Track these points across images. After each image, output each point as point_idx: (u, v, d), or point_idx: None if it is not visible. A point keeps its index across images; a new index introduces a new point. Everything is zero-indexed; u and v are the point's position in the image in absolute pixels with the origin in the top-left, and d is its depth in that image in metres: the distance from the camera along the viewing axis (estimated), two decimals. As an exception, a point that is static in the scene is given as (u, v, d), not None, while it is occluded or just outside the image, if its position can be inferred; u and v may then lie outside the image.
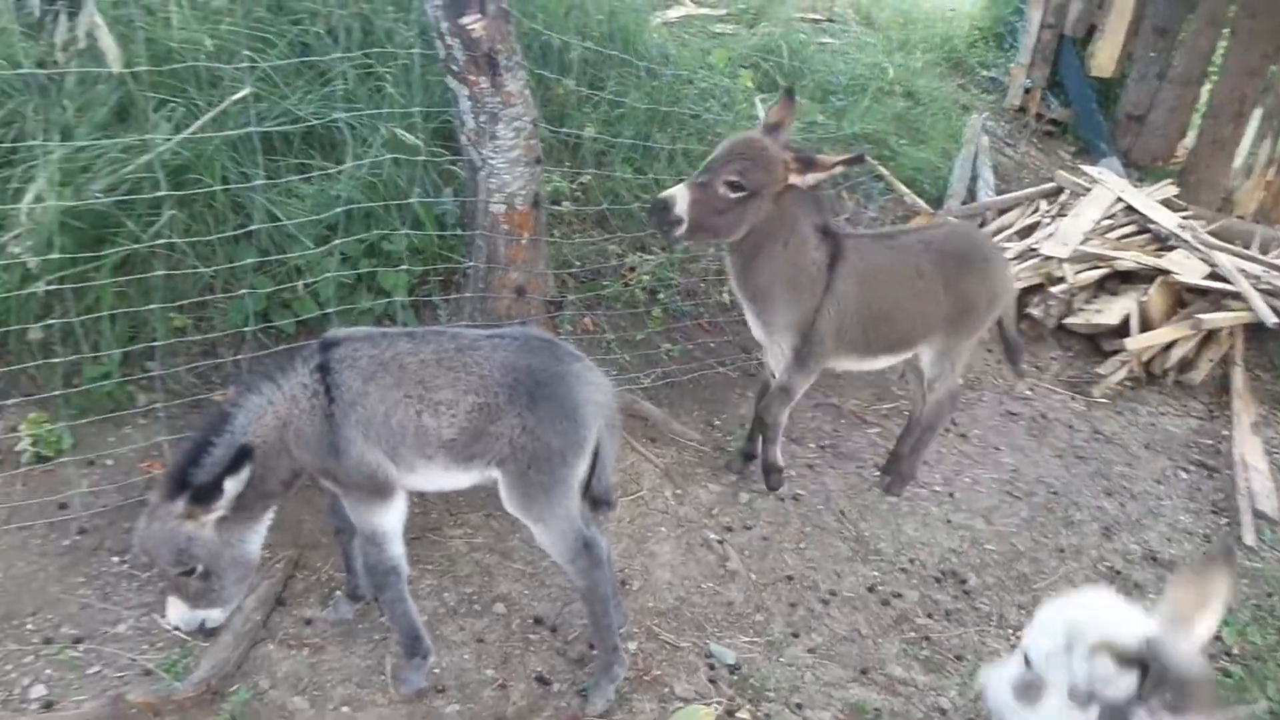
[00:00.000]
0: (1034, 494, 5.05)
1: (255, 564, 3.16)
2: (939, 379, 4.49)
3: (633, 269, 5.18)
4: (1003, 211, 7.39)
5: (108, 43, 3.34)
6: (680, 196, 3.64)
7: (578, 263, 5.00)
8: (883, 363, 4.45)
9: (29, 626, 3.27)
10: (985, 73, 9.55)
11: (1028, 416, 5.85)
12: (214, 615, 3.07)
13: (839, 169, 3.73)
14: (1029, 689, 2.32)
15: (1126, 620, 2.20)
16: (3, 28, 3.79)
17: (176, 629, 3.10)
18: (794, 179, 3.69)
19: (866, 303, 4.04)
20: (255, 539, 3.10)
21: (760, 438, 4.44)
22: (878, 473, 4.94)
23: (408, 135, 4.12)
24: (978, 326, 4.48)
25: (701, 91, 5.99)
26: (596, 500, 3.21)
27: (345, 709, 3.12)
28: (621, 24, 5.51)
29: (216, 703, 3.06)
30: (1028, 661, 2.32)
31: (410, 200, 4.15)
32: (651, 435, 4.71)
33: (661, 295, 5.28)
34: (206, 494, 2.84)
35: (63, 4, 3.70)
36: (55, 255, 3.49)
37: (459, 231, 4.32)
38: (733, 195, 3.63)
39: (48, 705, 2.99)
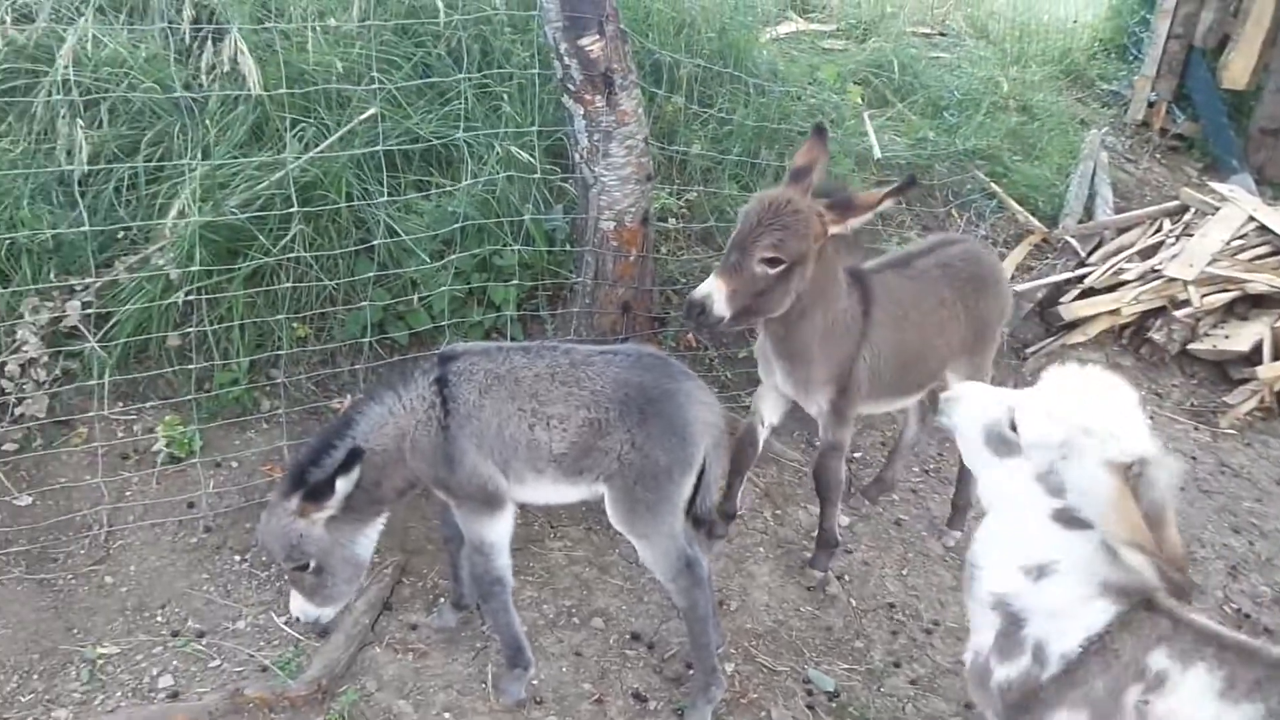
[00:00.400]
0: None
1: (365, 566, 3.27)
2: None
3: (736, 286, 5.17)
4: (1122, 230, 7.09)
5: (249, 66, 3.53)
6: (715, 292, 3.18)
7: (683, 279, 5.01)
8: (912, 400, 4.19)
9: (158, 619, 3.46)
10: (1106, 86, 9.18)
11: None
12: (326, 612, 3.18)
13: (885, 205, 3.29)
14: (1002, 444, 2.23)
15: (1133, 436, 2.08)
16: (155, 54, 4.04)
17: (296, 620, 3.22)
18: (834, 229, 3.25)
19: (900, 344, 3.74)
20: (366, 542, 3.20)
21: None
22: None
23: (522, 153, 4.22)
24: (993, 345, 4.27)
25: (810, 108, 5.95)
26: (698, 520, 3.23)
27: (447, 715, 3.20)
28: (731, 40, 5.51)
29: (326, 702, 3.17)
30: (1014, 423, 2.21)
31: (522, 217, 4.24)
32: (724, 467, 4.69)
33: (765, 313, 5.24)
34: (319, 492, 2.93)
35: (209, 30, 3.93)
36: (195, 267, 3.70)
37: (568, 247, 4.39)
38: (772, 271, 3.19)
39: (174, 695, 3.15)
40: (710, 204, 5.23)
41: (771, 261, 3.17)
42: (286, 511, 2.97)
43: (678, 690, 3.41)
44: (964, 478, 4.35)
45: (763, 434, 3.96)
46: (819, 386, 3.65)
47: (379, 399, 3.06)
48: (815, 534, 4.04)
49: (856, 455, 4.98)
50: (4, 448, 3.65)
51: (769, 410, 3.93)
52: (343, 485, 2.93)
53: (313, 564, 3.04)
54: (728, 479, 3.94)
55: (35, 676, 3.18)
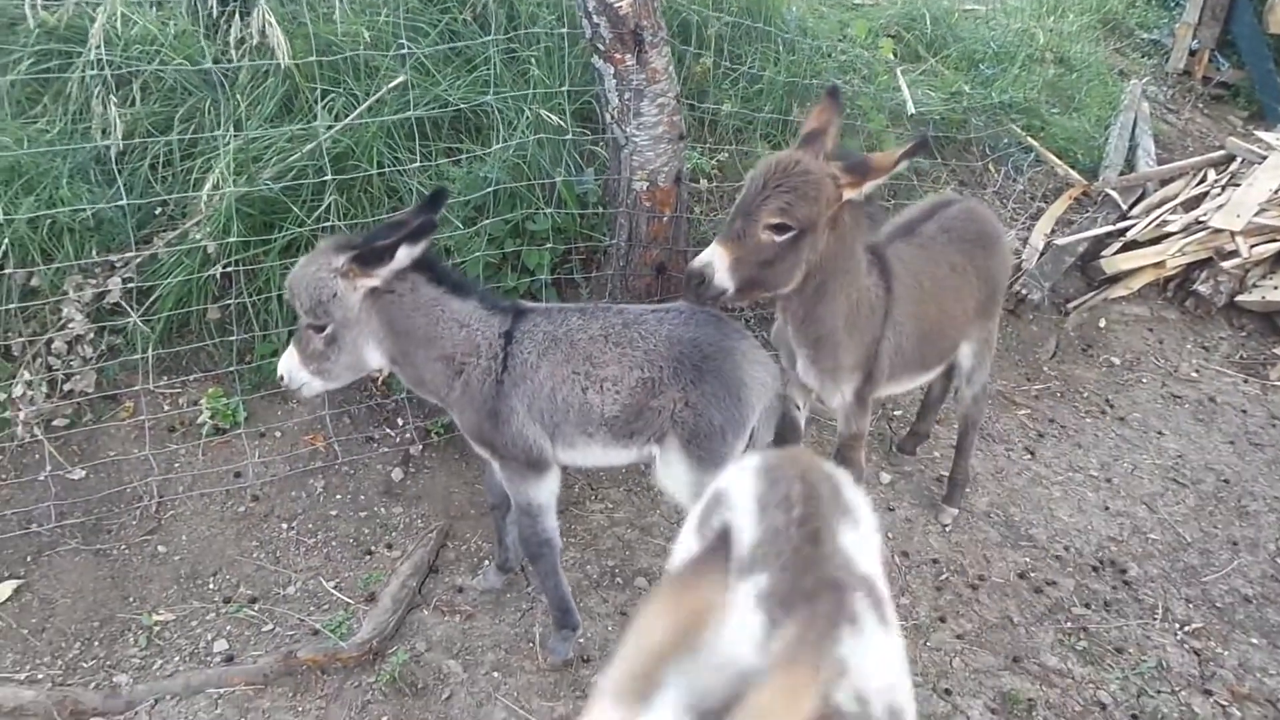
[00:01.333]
0: (1202, 481, 4.74)
1: (364, 371, 3.13)
2: (977, 369, 4.02)
3: (771, 247, 5.11)
4: (1165, 182, 6.92)
5: (277, 38, 3.53)
6: (717, 260, 2.89)
7: (716, 241, 4.97)
8: (931, 376, 3.99)
9: (210, 586, 3.53)
10: (1146, 35, 8.94)
11: (1194, 399, 5.48)
12: (313, 384, 3.02)
13: (901, 165, 2.93)
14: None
15: None
16: (184, 30, 4.05)
17: (280, 378, 3.04)
18: (848, 194, 2.94)
19: (921, 318, 3.49)
20: (374, 359, 3.03)
21: None
22: (1028, 455, 4.74)
23: (552, 116, 4.19)
24: (1000, 304, 4.05)
25: (841, 64, 5.84)
26: None
27: (495, 674, 3.23)
28: (759, -3, 5.42)
29: (377, 663, 3.22)
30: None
31: (554, 180, 4.22)
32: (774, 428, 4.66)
33: (800, 273, 5.19)
34: (375, 256, 2.80)
35: (237, 4, 3.93)
36: (232, 239, 3.73)
37: (600, 210, 4.36)
38: (779, 239, 2.89)
39: (229, 659, 3.22)
40: (742, 164, 5.16)
41: (778, 228, 2.87)
42: (329, 265, 2.84)
43: (723, 648, 3.41)
44: (961, 451, 4.25)
45: (800, 417, 3.75)
46: (846, 374, 3.36)
47: (477, 298, 3.00)
48: None
49: (897, 413, 4.93)
50: (55, 423, 3.72)
51: (801, 394, 3.69)
52: (404, 254, 2.80)
53: (330, 329, 2.90)
54: None
55: (96, 643, 3.25)
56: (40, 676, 3.10)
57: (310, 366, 2.96)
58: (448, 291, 2.96)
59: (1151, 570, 4.10)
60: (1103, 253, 6.26)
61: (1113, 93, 7.64)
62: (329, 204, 3.90)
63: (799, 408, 3.70)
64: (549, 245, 4.19)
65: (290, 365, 2.99)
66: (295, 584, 3.55)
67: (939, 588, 3.86)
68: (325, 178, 3.80)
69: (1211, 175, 6.91)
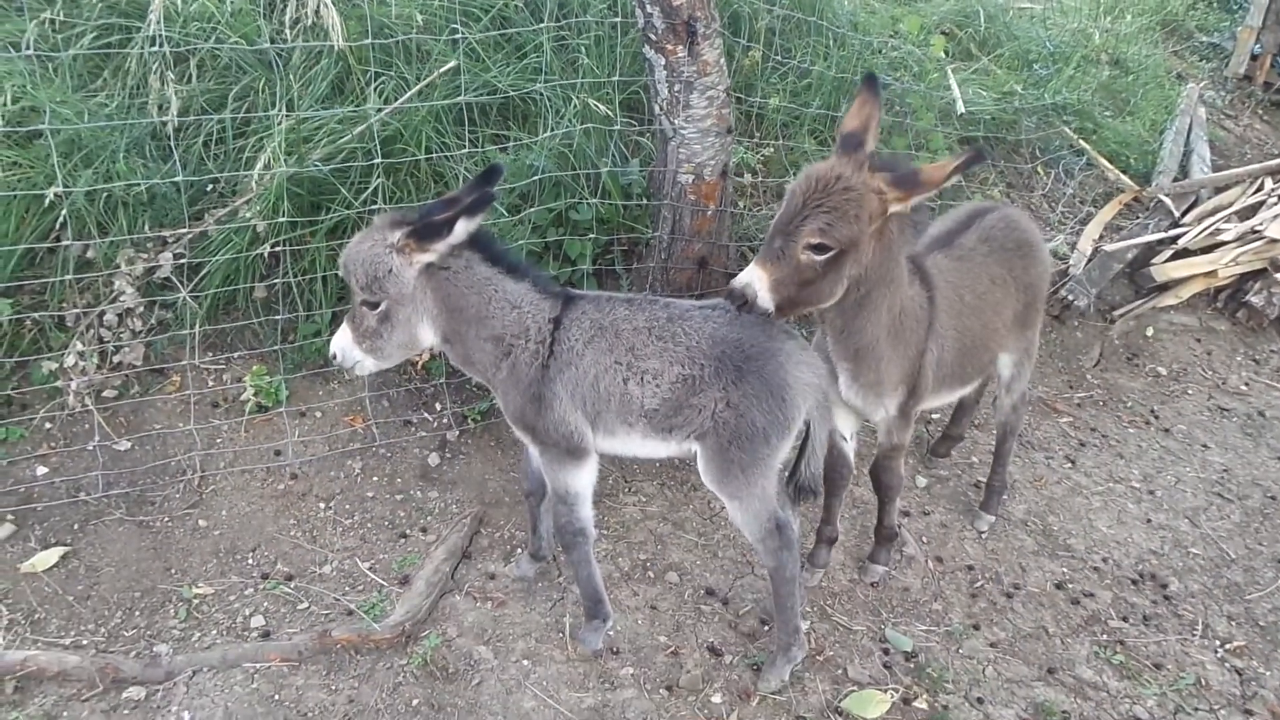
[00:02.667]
0: (1248, 497, 4.64)
1: (417, 349, 3.14)
2: (1016, 379, 3.98)
3: (814, 244, 5.08)
4: (1220, 189, 6.76)
5: (332, 19, 3.55)
6: (756, 282, 2.80)
7: (760, 236, 4.94)
8: (970, 389, 3.92)
9: (249, 561, 3.58)
10: (1205, 38, 8.75)
11: (1242, 413, 5.37)
12: (366, 363, 3.01)
13: (952, 179, 2.79)
14: None
15: None
16: (241, 8, 4.09)
17: (333, 356, 3.03)
18: (895, 208, 2.81)
19: (961, 331, 3.41)
20: (427, 336, 3.02)
21: (834, 519, 3.76)
22: (1068, 464, 4.67)
23: (600, 105, 4.18)
24: (1040, 313, 3.96)
25: (891, 61, 5.78)
26: (802, 489, 3.15)
27: (526, 662, 3.25)
28: (811, -10, 5.36)
29: (410, 645, 3.25)
30: None
31: (599, 170, 4.21)
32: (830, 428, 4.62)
33: (842, 271, 5.14)
34: (433, 231, 2.80)
35: (293, -17, 3.96)
36: (281, 219, 3.76)
37: (644, 202, 4.35)
38: (820, 259, 2.77)
39: (265, 634, 3.26)
40: (788, 159, 5.13)
41: (819, 248, 2.76)
42: (385, 241, 2.84)
43: (753, 645, 3.41)
44: (999, 458, 4.19)
45: (849, 448, 3.63)
46: (889, 388, 3.26)
47: (530, 280, 3.00)
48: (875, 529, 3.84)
49: (935, 416, 4.88)
50: (104, 394, 3.79)
51: (844, 422, 3.55)
52: (461, 228, 2.80)
53: (384, 306, 2.89)
54: (825, 501, 3.67)
55: (137, 613, 3.32)
56: (84, 643, 3.17)
57: (364, 344, 2.96)
58: (502, 271, 2.97)
59: (1193, 585, 4.02)
60: (1153, 260, 6.14)
61: (1169, 96, 7.49)
62: (376, 187, 3.93)
63: (846, 439, 3.59)
64: (591, 235, 4.19)
65: (343, 343, 2.98)
66: (331, 563, 3.59)
67: (973, 595, 3.82)
68: (374, 160, 3.82)
69: (1269, 184, 6.75)
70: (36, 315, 3.72)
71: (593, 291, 3.22)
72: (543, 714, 3.05)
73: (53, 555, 3.42)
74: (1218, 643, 3.74)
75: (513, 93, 4.26)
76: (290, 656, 3.14)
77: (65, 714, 2.90)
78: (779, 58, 5.02)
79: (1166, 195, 6.52)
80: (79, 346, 3.68)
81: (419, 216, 2.88)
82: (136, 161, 3.84)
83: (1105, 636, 3.70)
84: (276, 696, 3.01)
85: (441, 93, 4.09)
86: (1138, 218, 6.48)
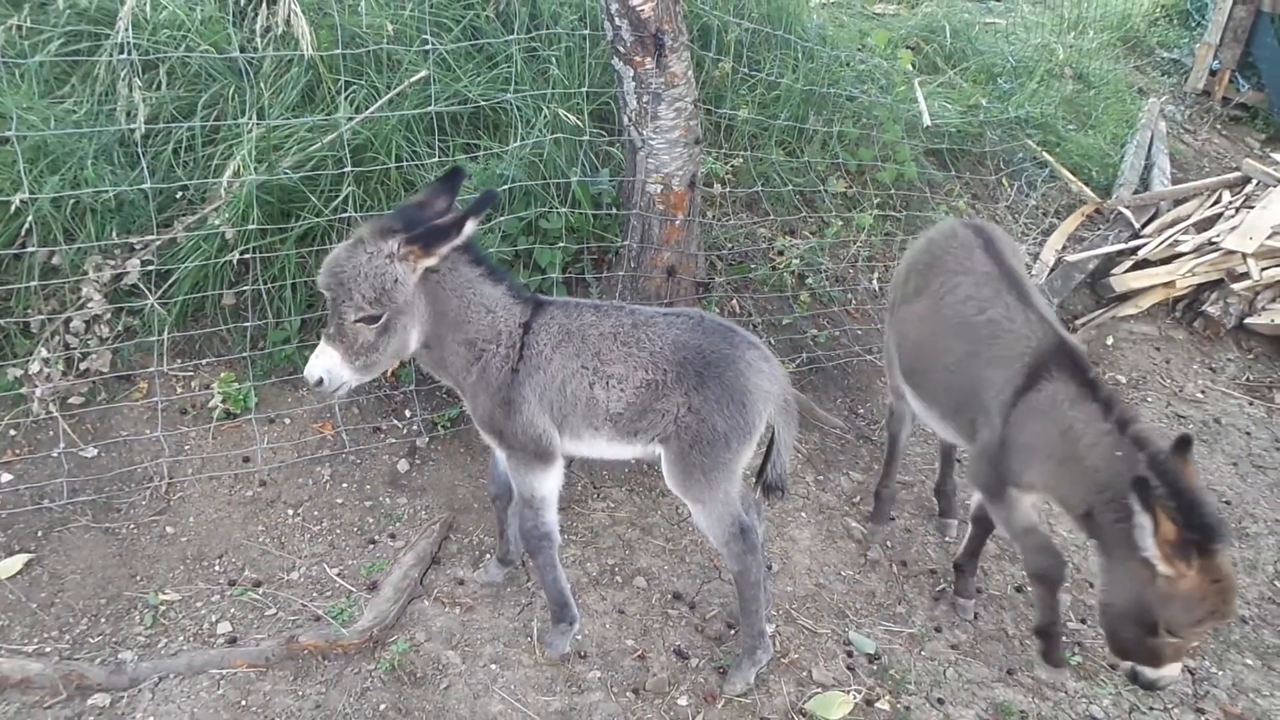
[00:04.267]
0: (1203, 503, 4.75)
1: (404, 356, 3.09)
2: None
3: (781, 253, 5.15)
4: (1179, 202, 6.93)
5: (302, 28, 3.57)
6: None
7: (728, 244, 5.01)
8: None
9: (216, 568, 3.57)
10: (1166, 53, 8.96)
11: (1198, 420, 5.49)
12: (351, 382, 2.94)
13: (468, 229, 2.86)
14: None
15: None
16: (211, 16, 4.10)
17: (318, 382, 2.90)
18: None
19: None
20: (415, 341, 2.99)
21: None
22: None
23: (570, 116, 4.22)
24: None
25: (859, 74, 5.87)
26: (769, 487, 3.21)
27: (494, 666, 3.27)
28: (780, 3, 5.45)
29: (378, 651, 3.26)
30: None
31: (569, 180, 4.25)
32: (796, 431, 4.68)
33: (810, 280, 5.22)
34: (440, 234, 2.79)
35: (263, -8, 3.98)
36: (250, 226, 3.77)
37: (614, 211, 4.40)
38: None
39: (232, 641, 3.26)
40: (757, 169, 5.21)
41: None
42: (383, 252, 2.79)
43: (719, 649, 3.45)
44: (949, 462, 4.25)
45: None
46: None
47: (505, 285, 3.03)
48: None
49: (901, 424, 4.95)
50: (70, 401, 3.77)
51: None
52: (471, 227, 2.80)
53: (385, 318, 2.84)
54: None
55: (102, 620, 3.30)
56: (47, 650, 3.15)
57: (357, 362, 2.89)
58: (483, 274, 2.99)
59: (1148, 589, 4.11)
60: (1113, 270, 6.29)
61: (1130, 110, 7.66)
62: (347, 195, 3.95)
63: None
64: (561, 244, 4.23)
65: (329, 366, 2.88)
66: (299, 569, 3.59)
67: (936, 598, 3.89)
68: (344, 169, 3.85)
69: (1226, 197, 6.92)
70: (1, 322, 3.70)
71: (561, 297, 3.26)
72: (510, 717, 3.07)
73: (16, 562, 3.40)
74: (1172, 644, 3.82)
75: (483, 102, 4.30)
76: (257, 662, 3.14)
77: (28, 721, 2.89)
78: (748, 70, 5.10)
79: (1127, 207, 6.68)
80: (44, 353, 3.67)
81: (406, 222, 2.86)
82: (104, 168, 3.83)
83: (1064, 639, 3.77)
84: (243, 702, 3.01)
85: (412, 102, 4.12)
86: (1099, 229, 6.63)
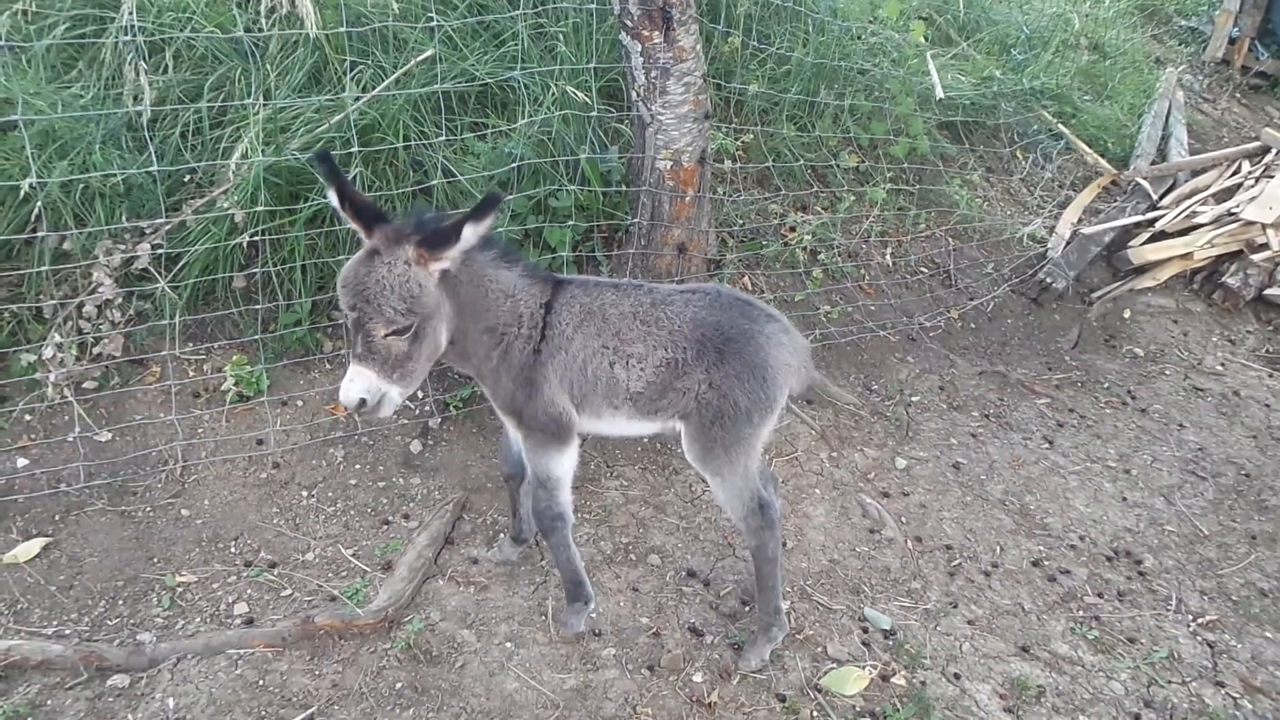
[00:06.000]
0: (1222, 475, 4.71)
1: (436, 358, 2.92)
2: None
3: (793, 229, 5.11)
4: (1197, 173, 6.83)
5: (307, 8, 3.55)
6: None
7: (739, 221, 4.97)
8: None
9: (232, 550, 3.59)
10: (1184, 22, 8.81)
11: (1217, 393, 5.44)
12: (394, 397, 2.80)
13: (466, 234, 2.70)
14: None
15: None
16: (216, -3, 4.08)
17: (360, 404, 2.75)
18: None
19: None
20: (445, 337, 2.87)
21: None
22: (1046, 444, 4.73)
23: (578, 93, 4.19)
24: None
25: (871, 46, 5.80)
26: None
27: (509, 644, 3.28)
28: (789, -24, 5.38)
29: (393, 631, 3.27)
30: None
31: (578, 157, 4.22)
32: (808, 397, 4.66)
33: (822, 256, 5.18)
34: (443, 238, 2.66)
35: (267, -29, 3.95)
36: (259, 208, 3.76)
37: (623, 188, 4.37)
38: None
39: (249, 621, 3.28)
40: (768, 145, 5.16)
41: (398, 331, 2.72)
42: (400, 259, 2.66)
43: (734, 625, 3.45)
44: None
45: None
46: None
47: (521, 267, 2.96)
48: None
49: (914, 399, 4.93)
50: (84, 385, 3.79)
51: None
52: (471, 232, 2.66)
53: (415, 326, 2.71)
54: None
55: (120, 602, 3.32)
56: (67, 632, 3.17)
57: (394, 375, 2.75)
58: (496, 258, 2.93)
59: (1167, 562, 4.08)
60: (1130, 243, 6.21)
61: (1147, 80, 7.55)
62: (355, 176, 3.93)
63: None
64: (571, 222, 4.21)
65: (367, 387, 2.72)
66: (314, 550, 3.61)
67: (951, 573, 3.87)
68: (352, 149, 3.83)
69: (1246, 167, 6.83)
70: (14, 307, 3.71)
71: (579, 276, 3.23)
72: (525, 695, 3.08)
73: (34, 546, 3.42)
74: (1191, 617, 3.80)
75: (490, 80, 4.26)
76: (274, 643, 3.16)
77: (50, 702, 2.91)
78: (758, 44, 5.04)
79: (1144, 179, 6.59)
80: (57, 338, 3.68)
81: (416, 226, 2.74)
82: (112, 152, 3.82)
83: (1081, 612, 3.75)
84: (261, 682, 3.03)
85: (419, 81, 4.09)
86: (1116, 201, 6.55)
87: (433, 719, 2.98)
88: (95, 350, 3.80)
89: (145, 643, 3.11)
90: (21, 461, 3.64)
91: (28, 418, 3.73)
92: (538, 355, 2.97)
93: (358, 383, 2.72)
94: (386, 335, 2.69)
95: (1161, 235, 6.21)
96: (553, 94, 4.29)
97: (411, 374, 2.79)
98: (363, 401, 2.75)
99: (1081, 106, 6.89)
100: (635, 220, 4.29)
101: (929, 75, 5.83)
